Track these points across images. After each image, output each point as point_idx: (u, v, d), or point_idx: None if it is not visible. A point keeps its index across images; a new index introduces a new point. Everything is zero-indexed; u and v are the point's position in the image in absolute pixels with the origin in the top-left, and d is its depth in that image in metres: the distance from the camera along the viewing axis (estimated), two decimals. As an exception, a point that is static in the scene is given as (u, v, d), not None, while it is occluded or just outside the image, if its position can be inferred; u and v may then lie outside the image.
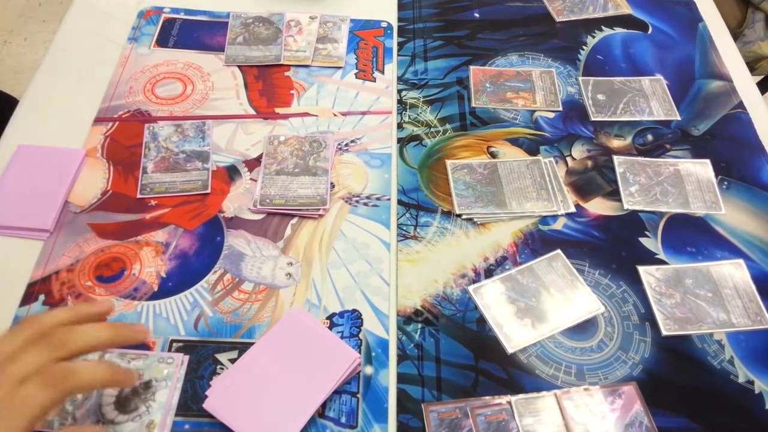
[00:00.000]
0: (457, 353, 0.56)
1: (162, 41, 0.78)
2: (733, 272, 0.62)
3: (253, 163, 0.67)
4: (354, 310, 0.58)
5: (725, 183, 0.69)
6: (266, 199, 0.64)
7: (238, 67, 0.76)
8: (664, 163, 0.70)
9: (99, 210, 0.63)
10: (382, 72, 0.77)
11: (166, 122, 0.70)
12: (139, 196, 0.64)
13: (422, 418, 0.52)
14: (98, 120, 0.70)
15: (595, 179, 0.69)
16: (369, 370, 0.54)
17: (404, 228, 0.64)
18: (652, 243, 0.64)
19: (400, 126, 0.72)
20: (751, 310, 0.60)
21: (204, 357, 0.54)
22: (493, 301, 0.59)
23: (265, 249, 0.61)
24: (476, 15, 0.86)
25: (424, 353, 0.56)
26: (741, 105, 0.77)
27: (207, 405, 0.50)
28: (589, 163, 0.71)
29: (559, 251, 0.63)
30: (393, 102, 0.74)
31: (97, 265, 0.59)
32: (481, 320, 0.58)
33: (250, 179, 0.66)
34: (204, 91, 0.73)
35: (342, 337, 0.56)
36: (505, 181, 0.67)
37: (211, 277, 0.59)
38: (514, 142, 0.72)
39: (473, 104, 0.75)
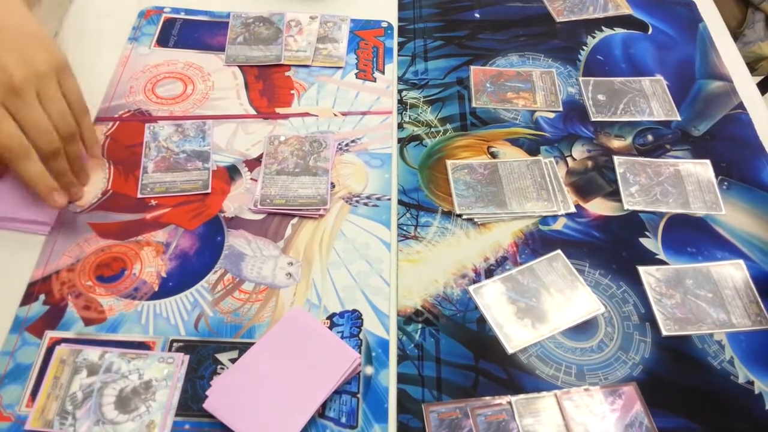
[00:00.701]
0: (457, 353, 0.56)
1: (162, 41, 0.78)
2: (733, 273, 0.62)
3: (254, 163, 0.67)
4: (354, 310, 0.58)
5: (725, 183, 0.69)
6: (267, 199, 0.64)
7: (239, 67, 0.76)
8: (664, 164, 0.70)
9: (99, 210, 0.63)
10: (383, 72, 0.77)
11: (167, 122, 0.70)
12: (139, 195, 0.64)
13: (422, 419, 0.52)
14: (99, 120, 0.69)
15: (596, 179, 0.69)
16: (369, 370, 0.54)
17: (404, 228, 0.64)
18: (652, 243, 0.64)
19: (400, 126, 0.72)
20: (751, 310, 0.60)
21: (204, 357, 0.54)
22: (493, 301, 0.59)
23: (265, 249, 0.61)
24: (476, 15, 0.86)
25: (424, 353, 0.56)
26: (741, 105, 0.77)
27: (207, 405, 0.50)
28: (590, 163, 0.71)
29: (559, 251, 0.63)
30: (393, 102, 0.74)
31: (97, 265, 0.59)
32: (482, 320, 0.58)
33: (251, 179, 0.66)
34: (204, 91, 0.73)
35: (342, 337, 0.56)
36: (506, 181, 0.67)
37: (211, 276, 0.59)
38: (515, 142, 0.72)
39: (473, 104, 0.75)
